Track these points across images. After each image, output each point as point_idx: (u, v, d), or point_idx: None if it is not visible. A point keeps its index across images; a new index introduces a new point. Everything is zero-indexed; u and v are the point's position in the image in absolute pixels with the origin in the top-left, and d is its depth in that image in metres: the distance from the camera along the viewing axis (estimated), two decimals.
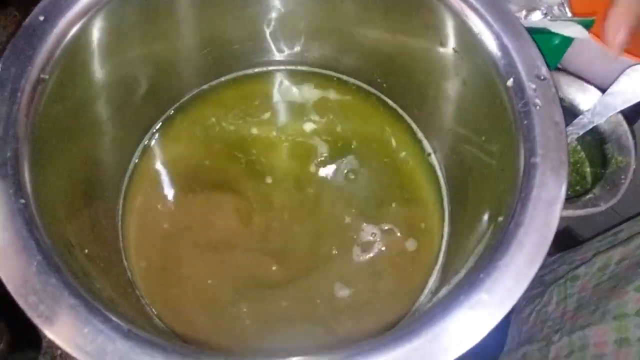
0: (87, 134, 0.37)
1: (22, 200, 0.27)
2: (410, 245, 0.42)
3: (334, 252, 0.41)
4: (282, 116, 0.46)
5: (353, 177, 0.44)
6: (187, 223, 0.42)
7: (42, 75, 0.31)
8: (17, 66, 0.30)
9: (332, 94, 0.47)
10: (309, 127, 0.45)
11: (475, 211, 0.37)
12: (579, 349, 0.36)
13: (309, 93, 0.47)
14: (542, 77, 0.32)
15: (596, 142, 0.42)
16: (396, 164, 0.45)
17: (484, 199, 0.36)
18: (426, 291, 0.41)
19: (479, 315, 0.25)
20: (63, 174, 0.33)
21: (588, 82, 0.42)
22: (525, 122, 0.31)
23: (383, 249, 0.42)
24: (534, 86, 0.32)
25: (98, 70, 0.36)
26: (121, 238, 0.42)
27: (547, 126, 0.31)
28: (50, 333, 0.24)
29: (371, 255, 0.41)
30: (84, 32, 0.33)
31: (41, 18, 0.32)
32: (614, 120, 0.41)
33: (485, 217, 0.34)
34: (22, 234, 0.26)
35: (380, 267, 0.41)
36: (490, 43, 0.34)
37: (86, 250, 0.33)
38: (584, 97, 0.42)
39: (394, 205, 0.43)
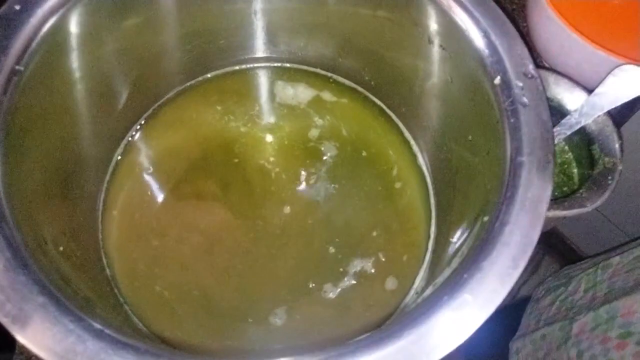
0: (65, 128, 0.36)
1: None
2: (399, 243, 0.42)
3: (320, 252, 0.41)
4: (267, 114, 0.45)
5: (338, 176, 0.43)
6: (170, 221, 0.42)
7: (17, 67, 0.30)
8: None
9: (321, 93, 0.47)
10: (295, 125, 0.45)
11: (461, 211, 0.37)
12: (606, 322, 0.36)
13: (296, 90, 0.46)
14: (530, 75, 0.32)
15: (583, 142, 0.42)
16: (382, 164, 0.44)
17: (469, 199, 0.36)
18: (412, 291, 0.40)
19: (463, 316, 0.25)
20: (38, 167, 0.32)
21: (576, 82, 0.42)
22: (512, 120, 0.31)
23: (373, 246, 0.41)
24: (521, 84, 0.32)
25: (77, 63, 0.35)
26: (101, 235, 0.41)
27: (534, 125, 0.30)
28: (18, 334, 0.23)
29: (359, 250, 0.41)
30: (62, 22, 0.32)
31: (17, 7, 0.31)
32: (601, 121, 0.41)
33: (471, 217, 0.33)
34: None
35: (368, 264, 0.41)
36: (478, 40, 0.33)
37: (61, 248, 0.32)
38: (572, 97, 0.42)
39: (380, 206, 0.43)
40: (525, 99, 0.31)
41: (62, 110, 0.35)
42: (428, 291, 0.32)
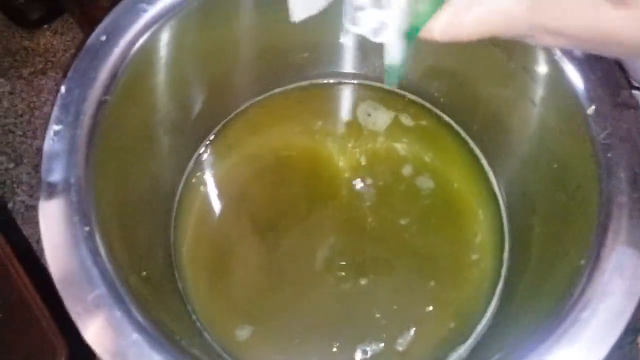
0: (144, 152, 0.37)
1: (87, 228, 0.27)
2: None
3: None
4: (343, 132, 0.45)
5: (409, 202, 0.42)
6: (240, 237, 0.42)
7: (104, 97, 0.30)
8: (81, 88, 0.30)
9: (399, 115, 0.45)
10: (371, 146, 0.44)
11: (541, 252, 0.35)
12: None
13: (375, 112, 0.45)
14: (628, 106, 0.30)
15: None
16: (455, 195, 0.42)
17: (551, 239, 0.34)
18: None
19: None
20: (121, 195, 0.33)
21: None
22: (608, 155, 0.29)
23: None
24: (619, 115, 0.30)
25: (157, 86, 0.36)
26: (174, 254, 0.41)
27: (635, 161, 0.28)
28: None
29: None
30: (145, 50, 0.33)
31: (103, 38, 0.32)
32: None
33: (552, 258, 0.31)
34: (85, 264, 0.26)
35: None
36: (569, 65, 0.31)
37: (144, 273, 0.33)
38: None
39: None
40: (623, 132, 0.29)
41: (142, 135, 0.36)
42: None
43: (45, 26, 0.56)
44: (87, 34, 0.53)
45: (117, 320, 0.25)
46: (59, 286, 0.25)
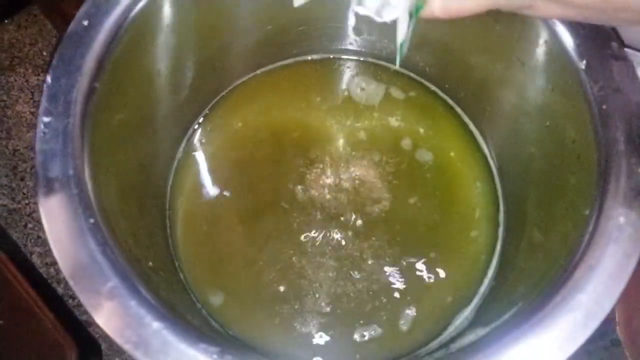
0: (138, 135, 0.36)
1: (92, 220, 0.26)
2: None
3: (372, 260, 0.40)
4: (341, 107, 0.44)
5: (403, 178, 0.43)
6: (232, 218, 0.41)
7: (94, 84, 0.29)
8: (68, 77, 0.29)
9: (398, 92, 0.45)
10: (369, 122, 0.44)
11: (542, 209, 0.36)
12: None
13: (368, 86, 0.45)
14: (618, 57, 0.30)
15: None
16: (452, 166, 0.43)
17: (552, 197, 0.35)
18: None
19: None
20: (120, 183, 0.32)
21: None
22: (603, 107, 0.30)
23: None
24: (609, 67, 0.30)
25: (148, 68, 0.35)
26: (171, 243, 0.41)
27: (629, 110, 0.29)
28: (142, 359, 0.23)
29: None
30: (132, 31, 0.31)
31: (85, 23, 0.30)
32: None
33: (564, 208, 0.32)
34: (95, 257, 0.25)
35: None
36: (557, 24, 0.32)
37: (150, 263, 0.32)
38: None
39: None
40: (615, 84, 0.30)
41: (137, 118, 0.35)
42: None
43: (6, 21, 0.53)
44: (57, 25, 0.51)
45: (136, 310, 0.24)
46: (71, 281, 0.24)
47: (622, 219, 0.26)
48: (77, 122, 0.28)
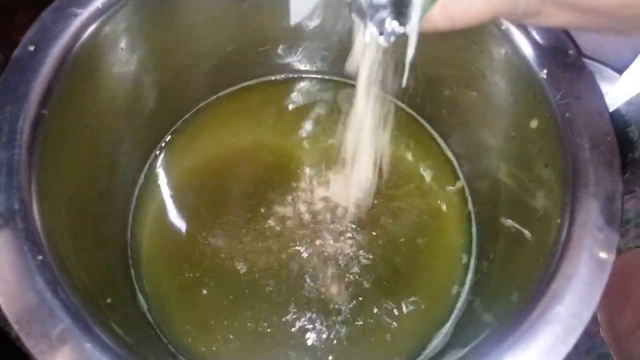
0: (94, 163, 0.34)
1: (40, 257, 0.24)
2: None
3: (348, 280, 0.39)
4: (305, 127, 0.44)
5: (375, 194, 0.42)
6: (201, 246, 0.39)
7: (42, 111, 0.27)
8: (13, 105, 0.27)
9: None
10: (331, 141, 0.43)
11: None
12: None
13: (341, 106, 0.44)
14: (577, 65, 0.31)
15: (619, 126, 0.41)
16: (419, 182, 0.43)
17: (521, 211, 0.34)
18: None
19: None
20: (74, 216, 0.30)
21: (606, 63, 0.41)
22: (567, 115, 0.30)
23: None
24: (569, 76, 0.30)
25: (102, 94, 0.33)
26: (134, 276, 0.38)
27: (592, 118, 0.29)
28: None
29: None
30: (82, 56, 0.30)
31: (31, 48, 0.29)
32: (635, 102, 0.40)
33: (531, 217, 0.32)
34: (44, 297, 0.23)
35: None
36: (517, 35, 0.32)
37: (108, 300, 0.30)
38: (603, 79, 0.41)
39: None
40: (576, 92, 0.30)
41: (90, 146, 0.33)
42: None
43: None
44: (8, 54, 0.49)
45: (90, 353, 0.22)
46: (16, 326, 0.22)
47: (593, 226, 0.26)
48: (24, 152, 0.26)
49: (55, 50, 0.29)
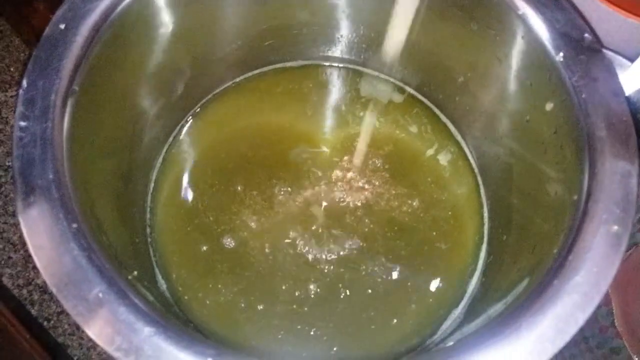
0: (119, 142, 0.35)
1: (75, 225, 0.25)
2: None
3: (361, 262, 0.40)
4: (327, 114, 0.44)
5: (390, 180, 0.43)
6: (216, 220, 0.40)
7: (73, 87, 0.28)
8: (45, 80, 0.28)
9: (380, 98, 0.46)
10: (351, 128, 0.44)
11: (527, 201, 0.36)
12: None
13: (357, 94, 0.45)
14: (592, 48, 0.31)
15: (630, 113, 0.42)
16: (432, 168, 0.43)
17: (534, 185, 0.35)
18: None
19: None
20: (102, 187, 0.31)
21: (616, 52, 0.41)
22: (583, 96, 0.30)
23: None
24: (585, 58, 0.31)
25: (130, 70, 0.34)
26: (152, 255, 0.39)
27: (609, 99, 0.30)
28: None
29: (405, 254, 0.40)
30: (111, 34, 0.31)
31: (62, 26, 0.29)
32: None
33: (552, 193, 0.33)
34: (80, 262, 0.24)
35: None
36: (533, 19, 0.33)
37: (135, 272, 0.31)
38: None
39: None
40: (593, 73, 0.31)
41: (118, 121, 0.34)
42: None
43: None
44: (27, 39, 0.50)
45: (125, 316, 0.23)
46: (54, 290, 0.23)
47: (610, 201, 0.27)
48: (57, 125, 0.27)
49: (85, 29, 0.29)
